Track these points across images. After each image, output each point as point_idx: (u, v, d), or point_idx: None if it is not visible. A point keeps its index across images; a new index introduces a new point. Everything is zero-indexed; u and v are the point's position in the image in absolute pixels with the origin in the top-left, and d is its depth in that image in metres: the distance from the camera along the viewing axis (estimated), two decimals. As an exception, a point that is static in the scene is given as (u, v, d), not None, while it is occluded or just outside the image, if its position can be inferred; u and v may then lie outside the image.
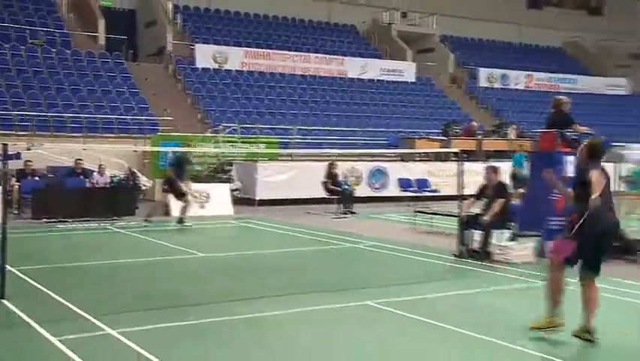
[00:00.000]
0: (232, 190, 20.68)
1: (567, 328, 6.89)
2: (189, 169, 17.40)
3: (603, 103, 38.27)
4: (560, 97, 13.98)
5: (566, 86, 37.86)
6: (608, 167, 19.05)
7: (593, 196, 6.74)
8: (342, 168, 21.39)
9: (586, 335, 6.85)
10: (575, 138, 13.47)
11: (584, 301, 6.98)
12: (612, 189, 13.46)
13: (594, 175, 6.92)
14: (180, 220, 15.84)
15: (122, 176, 19.98)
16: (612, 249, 11.69)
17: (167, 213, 18.08)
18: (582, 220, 6.85)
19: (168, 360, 6.08)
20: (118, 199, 18.11)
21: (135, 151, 21.87)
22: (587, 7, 44.93)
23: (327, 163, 20.39)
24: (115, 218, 16.78)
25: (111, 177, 19.52)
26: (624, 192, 17.81)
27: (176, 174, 16.29)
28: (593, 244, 6.93)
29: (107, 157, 20.32)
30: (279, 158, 23.17)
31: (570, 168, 12.91)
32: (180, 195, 16.27)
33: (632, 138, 30.72)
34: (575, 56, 43.93)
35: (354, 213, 19.09)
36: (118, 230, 15.45)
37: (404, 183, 22.79)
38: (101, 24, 29.31)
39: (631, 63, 43.23)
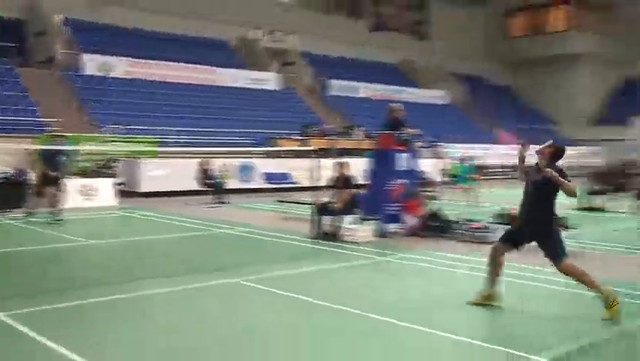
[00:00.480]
0: (116, 184, 20.11)
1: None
2: (63, 162, 15.83)
3: (428, 111, 39.77)
4: (394, 105, 14.43)
5: (400, 96, 38.92)
6: (433, 163, 19.95)
7: (568, 185, 6.59)
8: (215, 164, 21.29)
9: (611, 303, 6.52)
10: (407, 138, 14.00)
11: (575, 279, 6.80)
12: (437, 180, 14.12)
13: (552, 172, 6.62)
14: (51, 213, 14.33)
15: (12, 172, 18.95)
16: (435, 229, 12.44)
17: (52, 205, 17.31)
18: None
19: (53, 338, 5.76)
20: (9, 193, 17.18)
21: (26, 149, 20.85)
22: (418, 33, 46.60)
23: (201, 160, 20.22)
24: (6, 211, 15.91)
25: (2, 173, 18.48)
26: (447, 183, 18.75)
27: (48, 167, 14.62)
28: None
29: (-2, 155, 19.28)
30: (160, 155, 22.72)
31: (402, 163, 13.44)
32: (51, 185, 14.56)
33: (453, 140, 32.34)
34: (407, 72, 45.43)
35: (225, 203, 19.01)
36: (8, 222, 14.63)
37: (269, 177, 22.93)
38: (-9, 31, 27.57)
39: (447, 79, 45.22)
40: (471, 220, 12.40)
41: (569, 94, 47.00)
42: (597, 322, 6.46)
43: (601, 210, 17.59)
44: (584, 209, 17.59)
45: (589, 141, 42.99)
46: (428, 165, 21.84)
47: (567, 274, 6.79)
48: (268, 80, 34.74)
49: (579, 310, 7.14)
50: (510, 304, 7.14)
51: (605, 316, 6.47)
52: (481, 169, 33.62)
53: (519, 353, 5.47)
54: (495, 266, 7.07)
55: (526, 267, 8.90)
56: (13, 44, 27.84)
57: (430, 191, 16.28)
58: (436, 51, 46.13)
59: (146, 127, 25.00)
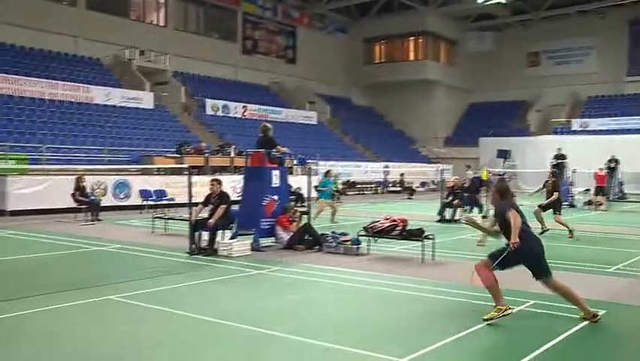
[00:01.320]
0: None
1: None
2: None
3: (299, 130, 40.39)
4: (266, 124, 14.56)
5: (273, 115, 39.36)
6: (303, 179, 20.14)
7: (512, 239, 6.89)
8: (89, 181, 20.46)
9: (593, 318, 6.97)
10: (279, 156, 14.15)
11: (564, 297, 7.16)
12: (306, 196, 14.34)
13: (512, 215, 7.02)
14: None
15: None
16: (309, 242, 12.61)
17: None
18: (507, 252, 6.96)
19: None
20: None
21: None
22: (285, 57, 47.27)
23: (75, 177, 19.34)
24: None
25: None
26: (316, 198, 19.02)
27: None
28: (536, 261, 7.12)
29: None
30: (30, 172, 21.47)
31: (275, 180, 13.56)
32: None
33: (322, 157, 32.96)
34: (277, 93, 45.87)
35: (100, 220, 18.26)
36: None
37: (145, 194, 22.30)
38: None
39: (316, 100, 46.24)
40: (343, 233, 12.67)
41: (425, 116, 49.37)
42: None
43: (455, 221, 18.57)
44: (440, 220, 18.54)
45: (444, 158, 45.71)
46: (299, 182, 22.19)
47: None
48: (142, 98, 33.82)
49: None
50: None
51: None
52: (348, 184, 34.72)
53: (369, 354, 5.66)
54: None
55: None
56: None
57: (302, 206, 16.51)
58: (302, 74, 47.03)
59: (15, 144, 23.53)
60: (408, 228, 11.94)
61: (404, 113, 49.92)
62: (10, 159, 22.09)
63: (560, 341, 6.27)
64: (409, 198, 32.36)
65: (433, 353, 5.86)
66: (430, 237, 11.46)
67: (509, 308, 7.00)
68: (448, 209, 19.13)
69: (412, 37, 49.82)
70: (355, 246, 12.03)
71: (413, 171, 38.89)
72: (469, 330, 6.60)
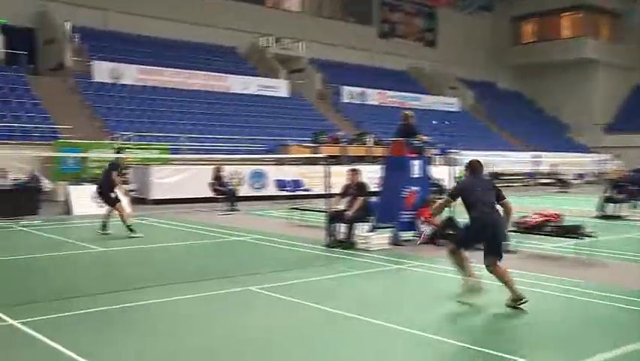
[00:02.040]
0: (129, 191, 20.12)
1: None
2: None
3: (439, 117, 39.75)
4: (407, 111, 14.37)
5: (411, 102, 39.06)
6: (445, 170, 19.82)
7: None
8: (227, 171, 21.29)
9: (518, 302, 7.21)
10: (420, 145, 13.95)
11: (500, 280, 7.40)
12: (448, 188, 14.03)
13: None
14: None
15: (26, 179, 19.01)
16: (452, 237, 12.33)
17: (67, 211, 17.37)
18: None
19: (68, 345, 5.74)
20: (21, 200, 17.23)
21: (38, 156, 20.97)
22: (424, 40, 46.68)
23: (213, 167, 20.21)
24: (18, 217, 15.93)
25: (14, 180, 18.55)
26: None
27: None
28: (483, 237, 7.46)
29: (10, 162, 19.32)
30: (171, 162, 22.75)
31: (416, 170, 13.38)
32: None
33: (465, 146, 32.20)
34: (416, 78, 45.43)
35: (237, 210, 18.98)
36: (21, 228, 14.66)
37: (281, 184, 22.88)
38: (0, 39, 27.66)
39: (457, 85, 45.26)
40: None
41: (582, 101, 46.78)
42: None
43: (617, 217, 17.45)
44: (601, 217, 17.49)
45: (604, 148, 42.93)
46: (440, 172, 21.81)
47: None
48: (278, 86, 34.79)
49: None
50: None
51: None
52: (493, 176, 33.61)
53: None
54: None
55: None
56: (24, 52, 27.91)
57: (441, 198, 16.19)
58: (443, 58, 46.15)
59: (158, 134, 25.04)
60: (563, 224, 11.35)
61: (558, 97, 47.58)
62: (154, 149, 23.54)
63: None
64: (563, 192, 30.82)
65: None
66: (590, 234, 10.82)
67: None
68: (610, 203, 18.00)
69: (567, 13, 47.47)
70: (507, 242, 11.59)
71: (567, 162, 36.96)
72: (633, 345, 6.12)
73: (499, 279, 7.42)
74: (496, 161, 35.16)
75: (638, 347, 5.97)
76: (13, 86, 25.67)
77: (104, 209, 14.47)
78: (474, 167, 7.96)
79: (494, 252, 7.40)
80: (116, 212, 13.67)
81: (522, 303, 7.19)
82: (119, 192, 14.19)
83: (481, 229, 7.48)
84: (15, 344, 5.95)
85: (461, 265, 7.71)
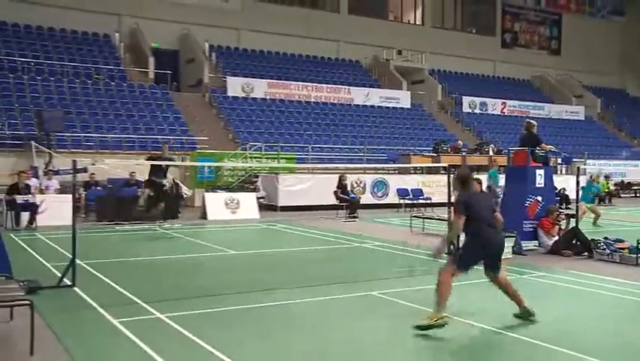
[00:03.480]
0: (258, 198, 20.75)
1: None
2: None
3: (564, 126, 38.18)
4: (530, 120, 13.94)
5: (534, 112, 37.77)
6: (569, 179, 18.87)
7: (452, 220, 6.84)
8: (350, 180, 21.42)
9: (527, 315, 6.91)
10: (543, 155, 13.47)
11: (504, 292, 7.05)
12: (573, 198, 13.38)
13: (454, 215, 6.95)
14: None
15: (168, 186, 20.03)
16: (577, 247, 11.80)
17: (204, 216, 18.13)
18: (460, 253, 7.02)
19: (205, 339, 6.06)
20: (164, 206, 18.13)
21: (178, 165, 21.93)
22: (549, 48, 44.99)
23: (338, 175, 20.43)
24: (162, 221, 16.85)
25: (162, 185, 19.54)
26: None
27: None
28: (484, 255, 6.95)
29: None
30: (297, 171, 23.21)
31: (539, 180, 12.93)
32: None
33: (591, 156, 30.65)
34: (540, 87, 43.83)
35: (357, 217, 19.03)
36: (164, 231, 15.49)
37: (402, 192, 22.76)
38: (151, 62, 29.55)
39: (583, 93, 43.22)
40: (619, 240, 11.63)
41: None
42: None
43: None
44: None
45: None
46: (564, 182, 20.91)
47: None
48: (400, 98, 34.70)
49: None
50: None
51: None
52: (621, 186, 31.76)
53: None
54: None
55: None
56: (169, 72, 29.61)
57: (568, 208, 15.53)
58: (568, 66, 44.23)
59: (285, 144, 25.67)
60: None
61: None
62: (281, 158, 24.13)
63: None
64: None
65: None
66: None
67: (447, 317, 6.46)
68: None
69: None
70: (635, 255, 10.94)
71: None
72: None
73: (503, 289, 7.06)
74: (625, 171, 33.19)
75: None
76: (159, 102, 27.24)
77: (236, 214, 15.10)
78: (465, 179, 7.11)
79: (496, 267, 7.01)
80: None
81: (531, 317, 6.90)
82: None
83: (486, 246, 6.88)
84: (162, 334, 6.33)
85: (445, 297, 6.65)
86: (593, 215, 17.73)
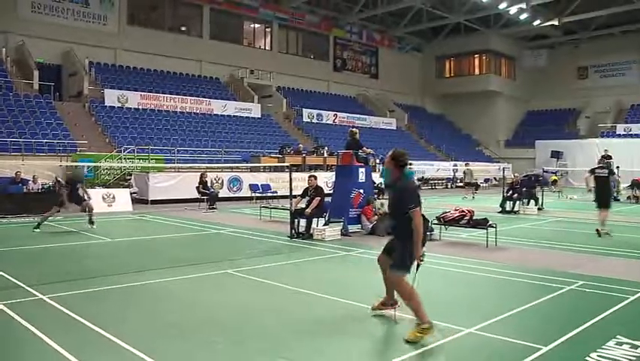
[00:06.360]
0: (131, 193, 19.90)
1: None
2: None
3: (381, 134, 40.13)
4: (353, 129, 14.60)
5: (359, 122, 39.30)
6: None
7: (417, 251, 5.21)
8: (210, 177, 21.18)
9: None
10: (364, 156, 14.17)
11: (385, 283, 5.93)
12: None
13: (416, 215, 5.24)
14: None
15: (51, 184, 18.66)
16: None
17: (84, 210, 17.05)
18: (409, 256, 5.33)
19: (85, 316, 5.79)
20: (47, 200, 16.85)
21: (60, 165, 20.60)
22: (369, 73, 47.07)
23: (199, 173, 20.11)
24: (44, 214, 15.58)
25: (42, 184, 18.20)
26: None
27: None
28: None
29: (39, 170, 19.04)
30: (165, 170, 22.55)
31: (361, 176, 13.58)
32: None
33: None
34: (363, 103, 45.75)
35: (216, 208, 18.85)
36: (47, 223, 14.30)
37: (254, 187, 22.88)
38: (36, 74, 27.18)
39: (395, 109, 45.80)
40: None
41: (488, 122, 47.96)
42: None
43: (514, 212, 17.96)
44: (502, 212, 17.96)
45: (504, 158, 44.20)
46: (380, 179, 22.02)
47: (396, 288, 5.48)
48: (251, 109, 34.70)
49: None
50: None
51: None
52: (422, 181, 34.13)
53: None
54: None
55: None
56: (52, 83, 27.47)
57: (383, 198, 16.42)
58: (384, 87, 46.77)
59: (154, 147, 24.78)
60: (474, 218, 11.69)
61: (471, 119, 48.71)
62: (151, 159, 23.29)
63: (614, 310, 5.98)
64: (475, 193, 31.42)
65: (497, 323, 5.72)
66: (494, 225, 11.17)
67: (431, 325, 5.17)
68: (508, 202, 18.53)
69: (477, 55, 48.33)
70: (429, 233, 11.86)
71: (478, 169, 37.71)
72: (529, 304, 6.42)
73: (385, 280, 5.84)
74: (425, 169, 35.78)
75: (533, 305, 6.25)
76: (43, 110, 25.16)
77: (112, 207, 14.38)
78: (404, 159, 5.45)
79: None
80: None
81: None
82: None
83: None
84: (46, 314, 5.92)
85: (417, 304, 5.23)
86: None
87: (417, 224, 5.17)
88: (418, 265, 5.28)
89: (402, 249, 5.36)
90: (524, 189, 18.83)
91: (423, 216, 5.30)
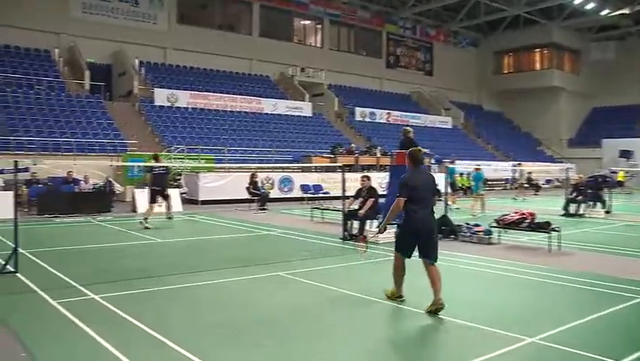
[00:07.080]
0: (181, 193, 20.36)
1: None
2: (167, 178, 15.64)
3: (436, 133, 39.65)
4: (407, 128, 14.40)
5: (413, 121, 38.96)
6: (439, 176, 19.83)
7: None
8: (260, 177, 21.41)
9: (399, 299, 6.52)
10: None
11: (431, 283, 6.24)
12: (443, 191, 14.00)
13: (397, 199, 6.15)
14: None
15: (102, 183, 19.33)
16: (445, 232, 12.30)
17: (133, 210, 17.60)
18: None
19: (134, 315, 5.94)
20: (98, 200, 17.58)
21: (111, 165, 21.32)
22: (423, 70, 46.56)
23: (250, 173, 20.35)
24: (96, 214, 16.23)
25: (93, 184, 18.89)
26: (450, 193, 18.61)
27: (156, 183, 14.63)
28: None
29: (90, 170, 19.76)
30: (215, 170, 22.96)
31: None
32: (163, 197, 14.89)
33: (457, 157, 32.02)
34: (417, 101, 45.31)
35: (267, 209, 19.02)
36: (98, 223, 14.91)
37: (305, 188, 22.99)
38: (87, 74, 28.27)
39: (450, 107, 45.12)
40: (476, 225, 12.28)
41: (550, 120, 46.55)
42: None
43: (579, 215, 17.33)
44: (565, 215, 17.37)
45: (567, 158, 42.73)
46: (436, 179, 21.73)
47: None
48: (303, 108, 34.92)
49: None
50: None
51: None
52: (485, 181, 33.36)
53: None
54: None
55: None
56: (103, 83, 28.49)
57: (439, 200, 16.18)
58: (439, 84, 46.13)
59: (205, 146, 25.29)
60: (536, 221, 11.35)
61: (531, 117, 47.38)
62: (202, 159, 23.76)
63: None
64: (536, 194, 30.57)
65: (562, 333, 5.52)
66: (557, 229, 10.81)
67: (401, 297, 6.51)
68: (572, 204, 17.89)
69: (538, 49, 47.01)
70: (487, 236, 11.62)
71: (539, 170, 36.64)
72: (597, 314, 6.16)
73: (430, 280, 6.14)
74: (483, 169, 34.93)
75: (596, 317, 6.00)
76: (94, 110, 26.12)
77: (162, 208, 14.82)
78: (416, 157, 6.28)
79: (428, 255, 6.13)
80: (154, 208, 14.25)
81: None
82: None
83: (415, 230, 6.10)
84: (96, 312, 6.12)
85: (396, 279, 6.37)
86: (477, 203, 18.54)
87: (392, 208, 6.27)
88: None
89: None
90: (590, 190, 18.14)
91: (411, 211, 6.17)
